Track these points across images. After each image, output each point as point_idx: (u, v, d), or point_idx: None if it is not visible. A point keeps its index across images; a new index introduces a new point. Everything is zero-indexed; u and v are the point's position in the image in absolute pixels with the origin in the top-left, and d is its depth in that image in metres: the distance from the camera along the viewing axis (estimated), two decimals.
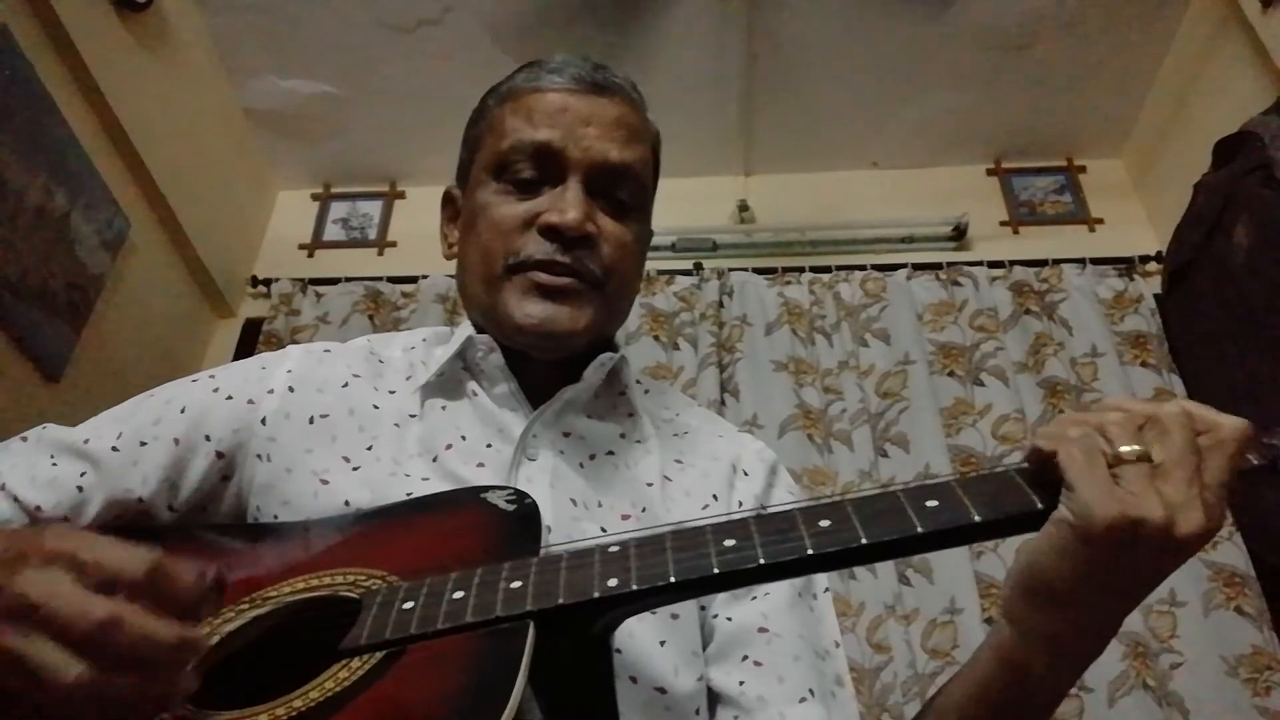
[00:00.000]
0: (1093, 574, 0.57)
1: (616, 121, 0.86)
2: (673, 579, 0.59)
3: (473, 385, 0.87)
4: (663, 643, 0.75)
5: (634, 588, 0.59)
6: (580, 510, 0.79)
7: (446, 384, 0.87)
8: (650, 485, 0.84)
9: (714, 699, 0.78)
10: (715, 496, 0.86)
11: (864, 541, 0.58)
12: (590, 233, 0.82)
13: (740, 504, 0.87)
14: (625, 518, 0.80)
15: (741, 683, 0.77)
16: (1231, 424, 0.57)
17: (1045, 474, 0.59)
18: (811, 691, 0.77)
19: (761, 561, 0.58)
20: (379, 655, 0.60)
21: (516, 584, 0.61)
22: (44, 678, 0.49)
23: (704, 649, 0.79)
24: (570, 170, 0.83)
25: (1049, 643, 0.61)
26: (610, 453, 0.87)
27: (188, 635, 0.52)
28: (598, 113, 0.85)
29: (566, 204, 0.81)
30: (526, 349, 0.85)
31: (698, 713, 0.76)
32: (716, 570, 0.58)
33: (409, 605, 0.62)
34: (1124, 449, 0.56)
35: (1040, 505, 0.58)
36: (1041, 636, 0.61)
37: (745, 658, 0.78)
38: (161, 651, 0.51)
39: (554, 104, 0.85)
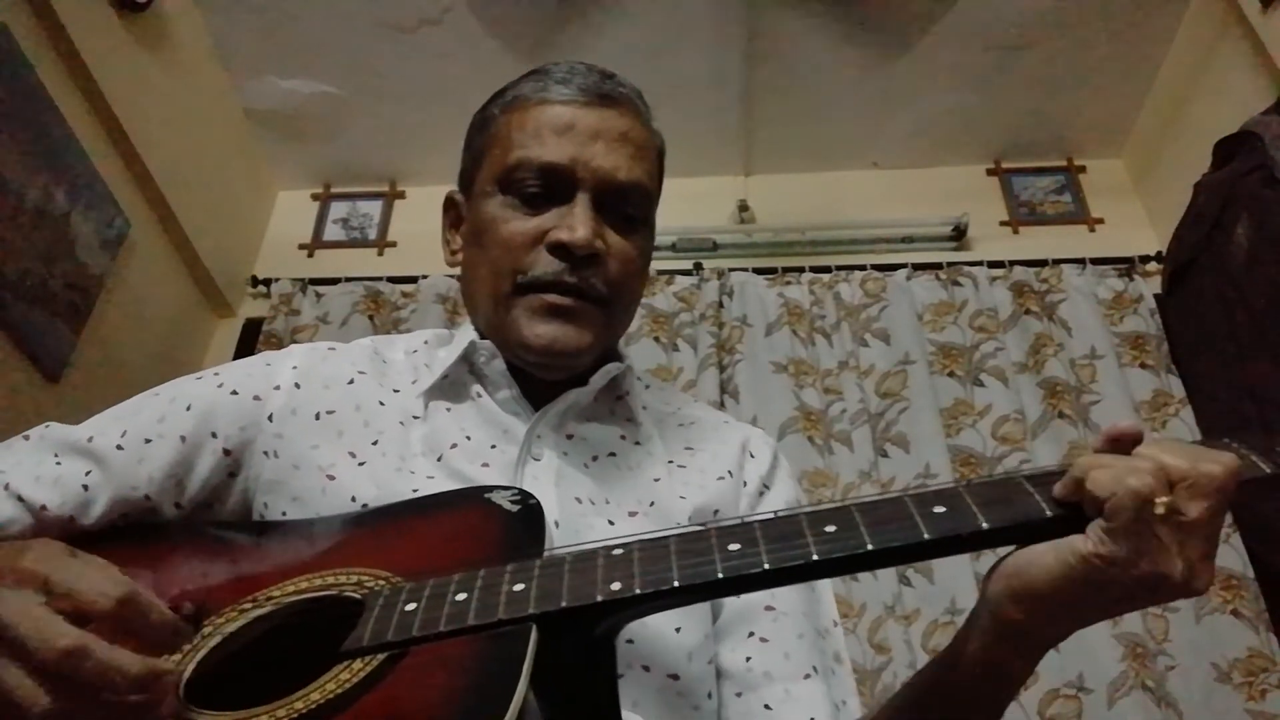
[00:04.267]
0: (1091, 599, 0.59)
1: (623, 136, 0.86)
2: (676, 583, 0.58)
3: (476, 388, 0.88)
4: (678, 629, 0.76)
5: (637, 591, 0.59)
6: (587, 506, 0.80)
7: (451, 386, 0.88)
8: (657, 480, 0.85)
9: (717, 674, 0.79)
10: (730, 473, 0.88)
11: (870, 548, 0.58)
12: (598, 250, 0.83)
13: (747, 484, 0.88)
14: (633, 514, 0.81)
15: (748, 659, 0.78)
16: (1220, 472, 0.56)
17: (1072, 500, 0.58)
18: (815, 668, 0.79)
19: (766, 567, 0.58)
20: (381, 657, 0.60)
21: (519, 586, 0.60)
22: (14, 700, 0.50)
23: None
24: (578, 188, 0.83)
25: (1026, 644, 0.64)
26: (612, 454, 0.88)
27: (155, 667, 0.53)
28: (605, 126, 0.85)
29: (575, 222, 0.82)
30: (531, 368, 0.86)
31: (710, 696, 0.77)
32: (721, 575, 0.58)
33: (412, 607, 0.62)
34: (1159, 501, 0.56)
35: (1049, 513, 0.58)
36: (1022, 639, 0.63)
37: (751, 634, 0.80)
38: (127, 683, 0.51)
39: (561, 119, 0.85)
